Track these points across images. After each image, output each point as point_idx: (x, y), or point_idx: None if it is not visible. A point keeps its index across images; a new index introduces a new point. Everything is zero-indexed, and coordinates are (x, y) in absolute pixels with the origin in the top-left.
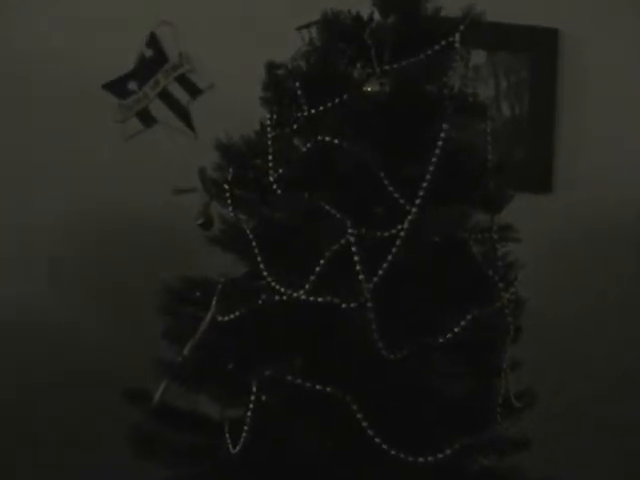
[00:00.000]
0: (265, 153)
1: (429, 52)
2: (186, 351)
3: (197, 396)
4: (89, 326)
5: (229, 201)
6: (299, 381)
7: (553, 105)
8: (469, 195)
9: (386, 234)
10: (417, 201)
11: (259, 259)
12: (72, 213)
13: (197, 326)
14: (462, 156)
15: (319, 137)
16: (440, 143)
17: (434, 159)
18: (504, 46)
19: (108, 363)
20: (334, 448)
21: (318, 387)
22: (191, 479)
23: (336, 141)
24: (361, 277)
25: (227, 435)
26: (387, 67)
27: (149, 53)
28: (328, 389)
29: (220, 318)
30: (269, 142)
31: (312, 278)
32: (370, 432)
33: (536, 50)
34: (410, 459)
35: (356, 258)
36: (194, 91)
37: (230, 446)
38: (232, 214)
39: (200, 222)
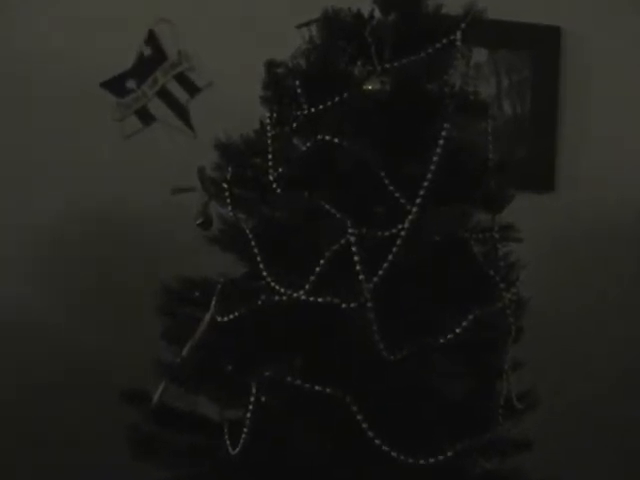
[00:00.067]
0: (265, 152)
1: (430, 50)
2: (185, 352)
3: (196, 397)
4: (89, 326)
5: (228, 200)
6: (299, 382)
7: (555, 104)
8: (470, 194)
9: (386, 234)
10: (418, 200)
11: (259, 259)
12: (72, 213)
13: (196, 326)
14: (463, 155)
15: (319, 136)
16: (441, 142)
17: (435, 158)
18: (506, 44)
19: (108, 363)
20: (334, 449)
21: (318, 388)
22: None
23: (336, 140)
24: (361, 277)
25: (226, 436)
26: (388, 65)
27: (148, 51)
28: (328, 390)
29: (219, 318)
30: (269, 141)
31: (312, 278)
32: (370, 433)
33: (538, 48)
34: (410, 461)
35: (356, 258)
36: (193, 89)
37: (230, 447)
38: (231, 213)
39: (199, 222)
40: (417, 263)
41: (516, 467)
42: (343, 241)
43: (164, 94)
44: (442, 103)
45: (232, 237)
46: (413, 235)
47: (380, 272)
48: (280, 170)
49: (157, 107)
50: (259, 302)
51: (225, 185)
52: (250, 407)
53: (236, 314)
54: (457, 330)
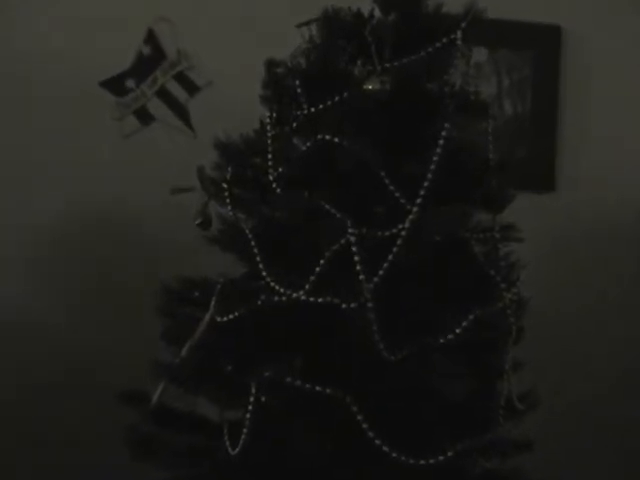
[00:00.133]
0: (264, 152)
1: (430, 50)
2: (184, 352)
3: (196, 397)
4: (89, 326)
5: (228, 200)
6: (299, 382)
7: (556, 103)
8: (471, 194)
9: (387, 233)
10: (418, 200)
11: (258, 259)
12: (72, 213)
13: (196, 327)
14: (463, 155)
15: (319, 135)
16: (441, 142)
17: (435, 158)
18: (506, 43)
19: (108, 363)
20: (334, 450)
21: (318, 388)
22: None
23: (336, 139)
24: (361, 277)
25: (226, 437)
26: (388, 65)
27: (147, 50)
28: (328, 390)
29: (219, 319)
30: (268, 141)
31: (312, 278)
32: (370, 434)
33: (538, 47)
34: (411, 461)
35: (356, 258)
36: (192, 89)
37: (229, 448)
38: (231, 213)
39: (198, 222)
40: (417, 263)
41: (516, 467)
42: (343, 241)
43: (163, 93)
44: (442, 103)
45: (232, 237)
46: (413, 235)
47: (380, 272)
48: (280, 170)
49: (156, 107)
50: (259, 302)
51: (225, 185)
52: (250, 407)
53: (236, 314)
54: (457, 330)
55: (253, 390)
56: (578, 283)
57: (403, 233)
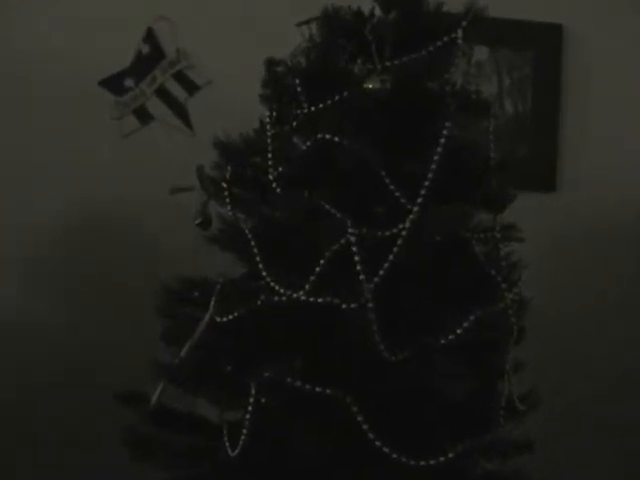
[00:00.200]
0: (264, 151)
1: (431, 48)
2: (183, 352)
3: (195, 398)
4: (89, 326)
5: (227, 200)
6: (299, 383)
7: (557, 103)
8: (471, 194)
9: (387, 233)
10: (419, 200)
11: (258, 259)
12: (72, 213)
13: (195, 327)
14: (464, 154)
15: (319, 135)
16: (442, 141)
17: (436, 157)
18: (507, 42)
19: (108, 363)
20: (334, 450)
21: (318, 389)
22: None
23: (336, 139)
24: (362, 277)
25: (226, 437)
26: (388, 63)
27: (146, 49)
28: (328, 391)
29: (219, 319)
30: (268, 140)
31: (312, 278)
32: (371, 435)
33: (540, 46)
34: (411, 462)
35: (357, 258)
36: (192, 88)
37: (229, 449)
38: (230, 213)
39: (198, 221)
40: (418, 263)
41: (517, 468)
42: (343, 241)
43: (163, 93)
44: (443, 102)
45: (231, 237)
46: (414, 235)
47: (381, 272)
48: (280, 169)
49: (155, 106)
50: (259, 302)
51: (224, 184)
52: (249, 408)
53: (235, 314)
54: (458, 330)
55: (253, 390)
56: (578, 283)
57: (403, 233)
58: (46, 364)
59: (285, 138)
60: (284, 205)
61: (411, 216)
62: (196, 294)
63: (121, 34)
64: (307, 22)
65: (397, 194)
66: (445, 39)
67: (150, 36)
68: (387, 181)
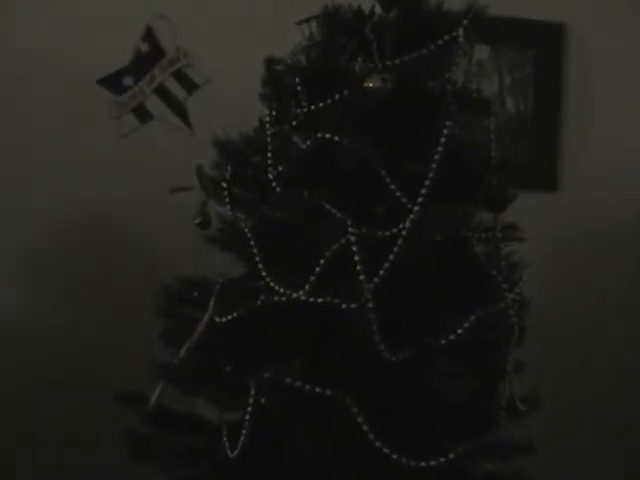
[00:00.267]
0: (264, 150)
1: (432, 47)
2: (182, 353)
3: (194, 398)
4: (89, 326)
5: (227, 199)
6: (299, 383)
7: (558, 102)
8: (472, 193)
9: (387, 233)
10: (419, 199)
11: (258, 259)
12: (72, 213)
13: (194, 327)
14: (465, 153)
15: (319, 134)
16: (443, 140)
17: (437, 156)
18: (508, 41)
19: (108, 363)
20: (334, 451)
21: (318, 389)
22: None
23: (336, 138)
24: (362, 277)
25: (225, 438)
26: (389, 62)
27: (145, 47)
28: (328, 391)
29: (218, 319)
30: (268, 139)
31: (312, 278)
32: (371, 435)
33: (541, 45)
34: (412, 463)
35: (357, 258)
36: (191, 86)
37: (228, 449)
38: (230, 213)
39: (197, 221)
40: (418, 263)
41: (518, 469)
42: (343, 241)
43: (162, 91)
44: (444, 101)
45: (231, 237)
46: (414, 234)
47: (381, 272)
48: (280, 169)
49: (155, 104)
50: (258, 302)
51: (224, 184)
52: (249, 409)
53: (235, 314)
54: (459, 331)
55: (252, 391)
56: (578, 283)
57: (404, 233)
58: (46, 364)
59: (285, 137)
60: (284, 205)
61: (411, 216)
62: (195, 294)
63: (121, 34)
64: (307, 20)
65: (397, 194)
66: (446, 38)
67: (149, 34)
68: (387, 180)
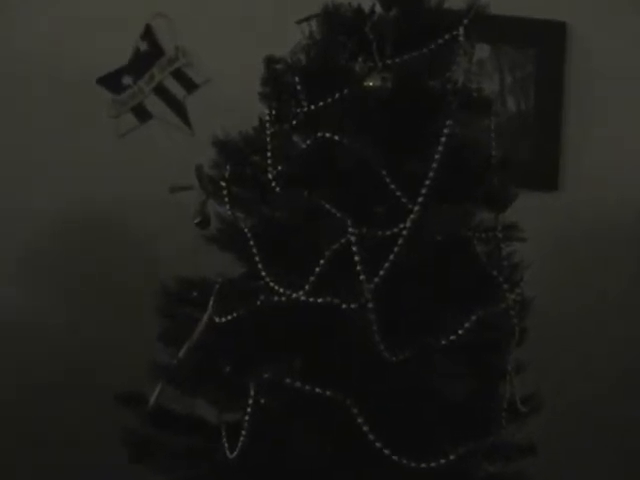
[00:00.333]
0: (264, 150)
1: (432, 46)
2: (182, 353)
3: (194, 399)
4: (89, 326)
5: (226, 199)
6: (298, 383)
7: (560, 101)
8: (473, 192)
9: (387, 233)
10: (419, 199)
11: (257, 259)
12: (72, 213)
13: (194, 327)
14: (466, 152)
15: (319, 133)
16: (443, 139)
17: (437, 156)
18: (509, 40)
19: (108, 363)
20: (334, 452)
21: (318, 390)
22: None
23: (336, 137)
24: (362, 277)
25: (224, 439)
26: (389, 61)
27: (144, 46)
28: (328, 392)
29: (217, 319)
30: (268, 138)
31: (312, 278)
32: (371, 436)
33: (542, 44)
34: (412, 464)
35: (357, 258)
36: (190, 86)
37: (227, 450)
38: (230, 212)
39: (197, 221)
40: (419, 263)
41: (519, 470)
42: (343, 241)
43: (161, 90)
44: (445, 100)
45: (230, 236)
46: (415, 234)
47: (381, 272)
48: (279, 168)
49: (154, 104)
50: (258, 302)
51: (223, 183)
52: (249, 409)
53: (234, 314)
54: (460, 331)
55: (252, 391)
56: (578, 283)
57: (404, 232)
58: (46, 364)
59: (285, 136)
60: (284, 204)
61: (412, 215)
62: (195, 294)
63: (121, 34)
64: (307, 19)
65: (398, 193)
66: (446, 37)
67: (148, 33)
68: (388, 180)
